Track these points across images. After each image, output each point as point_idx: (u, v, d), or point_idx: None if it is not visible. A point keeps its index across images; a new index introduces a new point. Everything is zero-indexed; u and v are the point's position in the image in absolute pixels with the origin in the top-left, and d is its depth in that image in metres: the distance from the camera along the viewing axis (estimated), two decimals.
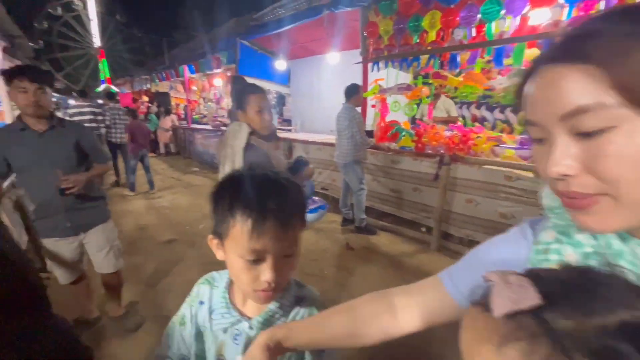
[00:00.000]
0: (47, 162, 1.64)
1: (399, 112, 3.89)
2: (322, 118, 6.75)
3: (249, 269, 0.59)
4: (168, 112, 9.54)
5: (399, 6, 3.37)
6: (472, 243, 3.14)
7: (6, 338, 0.86)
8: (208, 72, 8.16)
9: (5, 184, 2.34)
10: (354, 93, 3.29)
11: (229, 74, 8.58)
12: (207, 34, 7.42)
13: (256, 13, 5.36)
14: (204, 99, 11.84)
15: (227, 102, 10.33)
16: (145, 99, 13.35)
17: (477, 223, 3.09)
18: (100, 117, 5.22)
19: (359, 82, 3.85)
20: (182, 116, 10.82)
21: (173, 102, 11.94)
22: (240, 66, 6.03)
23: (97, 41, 25.02)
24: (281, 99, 8.67)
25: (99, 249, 1.90)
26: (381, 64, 3.83)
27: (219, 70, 7.91)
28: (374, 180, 3.96)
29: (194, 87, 10.72)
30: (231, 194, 0.60)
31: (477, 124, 4.17)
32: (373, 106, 4.03)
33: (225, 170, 1.54)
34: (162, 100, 11.12)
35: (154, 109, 9.97)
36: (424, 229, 3.56)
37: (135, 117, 5.73)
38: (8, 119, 3.76)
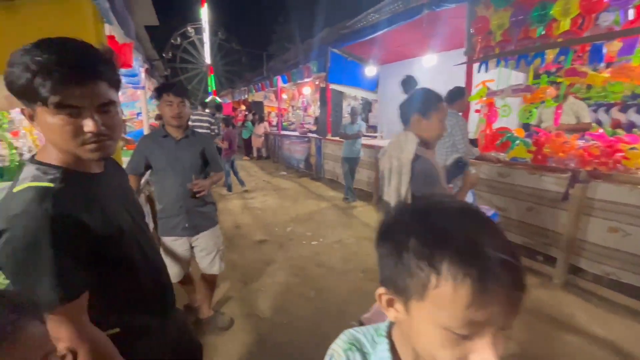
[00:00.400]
0: (179, 166, 1.84)
1: (509, 118, 3.34)
2: None
3: (456, 345, 0.41)
4: (261, 119, 10.38)
5: None
6: (614, 283, 2.43)
7: (157, 335, 0.93)
8: (298, 82, 8.59)
9: (142, 181, 2.78)
10: (458, 97, 2.93)
11: (317, 82, 8.93)
12: (301, 45, 7.80)
13: (349, 21, 5.37)
14: (292, 107, 12.59)
15: (314, 110, 10.75)
16: (243, 107, 14.90)
17: (623, 259, 2.38)
18: (213, 127, 5.99)
19: (458, 84, 3.41)
20: (273, 123, 11.66)
21: (266, 110, 12.99)
22: (329, 74, 6.13)
23: (207, 60, 29.53)
24: (367, 105, 8.55)
25: (207, 252, 2.03)
26: (490, 64, 3.35)
27: (308, 80, 8.27)
28: (474, 194, 3.46)
29: (284, 96, 11.49)
30: (426, 237, 0.42)
31: (620, 131, 3.28)
32: (477, 111, 3.55)
33: (391, 185, 1.37)
34: (256, 109, 12.19)
35: (250, 116, 10.99)
36: (540, 258, 2.94)
37: (229, 125, 6.38)
38: (145, 128, 4.53)
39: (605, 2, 2.33)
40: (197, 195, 1.88)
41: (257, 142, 10.24)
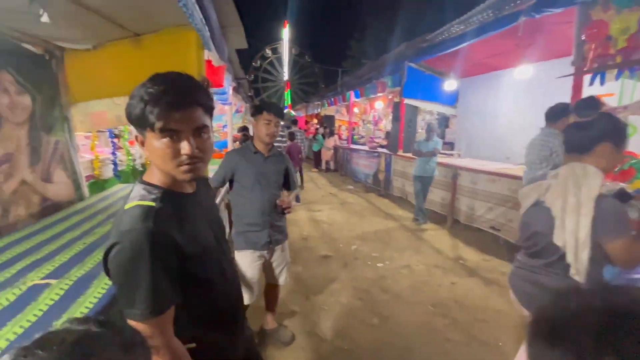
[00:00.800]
0: (266, 182, 1.91)
1: (635, 140, 2.70)
2: (494, 142, 5.74)
3: None
4: (332, 133, 10.58)
5: None
6: None
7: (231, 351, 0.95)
8: (371, 96, 8.54)
9: (222, 190, 3.03)
10: (562, 114, 2.50)
11: (390, 96, 8.75)
12: (376, 61, 7.77)
13: (429, 35, 5.14)
14: (363, 120, 12.56)
15: (385, 124, 10.53)
16: (315, 121, 15.48)
17: None
18: (284, 138, 6.47)
19: (558, 99, 2.88)
20: (343, 137, 11.79)
21: (337, 124, 13.24)
22: (405, 88, 5.93)
23: (285, 76, 32.00)
24: (443, 121, 8.02)
25: (278, 263, 2.08)
26: (609, 75, 2.79)
27: (381, 94, 8.16)
28: None
29: (355, 110, 11.54)
30: None
31: None
32: None
33: (566, 228, 1.17)
34: (328, 122, 12.52)
35: (321, 130, 11.32)
36: None
37: (293, 139, 6.77)
38: (229, 139, 4.98)
39: None
40: (285, 212, 1.95)
41: (326, 155, 10.44)
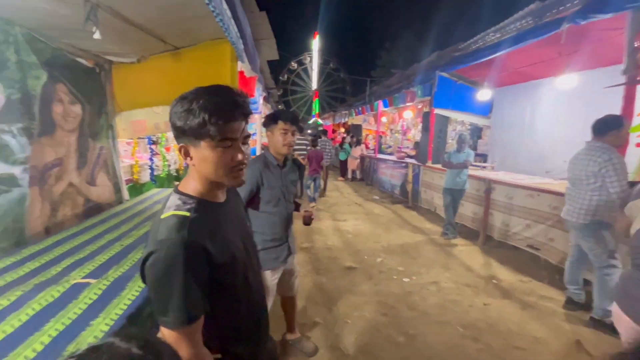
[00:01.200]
0: (288, 194, 1.87)
1: None
2: (532, 155, 5.43)
3: None
4: (359, 142, 10.52)
5: None
6: None
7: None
8: (400, 106, 8.43)
9: None
10: (612, 127, 2.31)
11: (419, 106, 8.58)
12: (405, 70, 7.69)
13: (462, 43, 5.01)
14: (391, 130, 12.40)
15: (414, 134, 10.32)
16: (342, 130, 15.51)
17: None
18: (309, 147, 6.63)
19: (605, 111, 2.63)
20: (370, 146, 11.69)
21: (364, 133, 13.17)
22: (435, 98, 5.79)
23: (313, 85, 32.62)
24: (476, 131, 7.72)
25: (291, 273, 2.06)
26: None
27: (410, 104, 8.04)
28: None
29: (383, 119, 11.43)
30: None
31: None
32: (639, 145, 2.74)
33: None
34: (355, 132, 12.49)
35: (348, 139, 11.31)
36: None
37: (315, 145, 6.94)
38: (258, 147, 5.11)
39: None
40: (310, 223, 1.94)
41: (352, 164, 10.40)
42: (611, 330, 2.31)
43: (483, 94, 5.53)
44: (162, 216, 0.78)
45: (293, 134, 1.77)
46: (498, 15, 4.21)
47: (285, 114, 1.78)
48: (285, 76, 32.88)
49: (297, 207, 2.02)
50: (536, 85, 5.43)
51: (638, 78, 2.72)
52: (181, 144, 0.80)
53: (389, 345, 2.29)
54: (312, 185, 6.60)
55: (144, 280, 0.76)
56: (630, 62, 2.75)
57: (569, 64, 4.16)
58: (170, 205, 0.80)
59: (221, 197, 0.88)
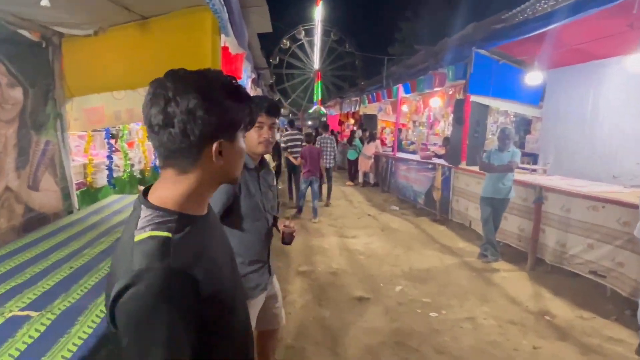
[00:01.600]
0: (268, 204, 1.86)
1: None
2: (596, 155, 5.41)
3: None
4: (373, 137, 10.52)
5: None
6: None
7: None
8: (425, 92, 8.46)
9: None
10: None
11: (450, 92, 8.61)
12: (433, 46, 7.72)
13: (505, 13, 5.03)
14: (414, 122, 12.43)
15: (443, 127, 10.35)
16: (351, 121, 15.56)
17: None
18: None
19: None
20: (387, 142, 11.71)
21: (379, 126, 13.19)
22: (471, 82, 5.81)
23: (315, 65, 32.68)
24: (523, 124, 7.73)
25: (274, 299, 2.04)
26: None
27: (439, 89, 8.05)
28: None
29: (404, 109, 11.46)
30: None
31: None
32: None
33: None
34: (368, 124, 12.51)
35: (358, 133, 11.32)
36: None
37: (310, 141, 6.99)
38: None
39: None
40: (290, 242, 1.93)
41: (364, 165, 10.39)
42: None
43: (532, 78, 5.52)
44: (137, 238, 0.77)
45: (271, 128, 1.74)
46: None
47: (260, 101, 1.75)
48: (277, 58, 32.72)
49: (274, 221, 2.00)
50: (600, 66, 5.41)
51: None
52: (216, 142, 0.82)
53: None
54: (308, 191, 6.70)
55: (113, 323, 0.76)
56: None
57: None
58: (144, 224, 0.79)
59: (204, 207, 0.90)
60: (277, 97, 19.41)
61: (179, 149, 0.80)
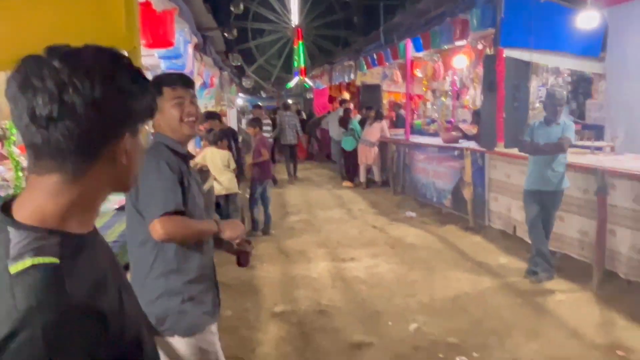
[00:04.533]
0: (209, 202, 2.00)
1: None
2: None
3: None
4: (379, 116, 10.50)
5: None
6: None
7: None
8: (444, 48, 8.53)
9: None
10: None
11: (480, 46, 8.69)
12: None
13: None
14: (433, 92, 12.51)
15: (473, 97, 10.42)
16: (346, 95, 15.59)
17: None
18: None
19: None
20: (395, 121, 11.72)
21: (385, 100, 13.24)
22: (504, 29, 5.92)
23: (295, 19, 32.45)
24: (581, 86, 7.84)
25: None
26: None
27: (462, 43, 8.13)
28: None
29: (418, 74, 11.53)
30: None
31: None
32: None
33: None
34: (370, 97, 12.54)
35: (354, 114, 11.39)
36: None
37: (257, 127, 7.33)
38: None
39: None
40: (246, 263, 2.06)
41: (367, 156, 10.28)
42: None
43: (588, 19, 5.63)
44: (13, 270, 0.78)
45: (194, 102, 1.93)
46: None
47: (169, 76, 1.97)
48: (242, 5, 32.40)
49: (218, 242, 2.13)
50: None
51: None
52: (122, 137, 0.88)
53: None
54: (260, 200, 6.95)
55: None
56: None
57: None
58: (21, 251, 0.80)
59: (93, 222, 0.94)
60: (236, 60, 19.25)
61: (74, 148, 0.82)
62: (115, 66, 0.84)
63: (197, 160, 5.60)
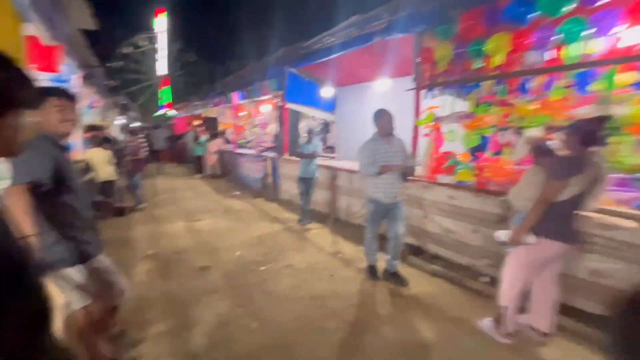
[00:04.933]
0: (89, 188, 1.73)
1: (455, 143, 3.60)
2: None
3: None
4: (215, 136, 10.16)
5: (459, 30, 3.21)
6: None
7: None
8: (257, 99, 8.60)
9: None
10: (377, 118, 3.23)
11: (275, 101, 8.99)
12: (259, 62, 7.87)
13: (306, 42, 5.55)
14: (250, 124, 12.43)
15: (273, 128, 10.71)
16: (198, 122, 14.42)
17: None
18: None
19: (410, 109, 3.75)
20: (228, 141, 11.37)
21: (220, 127, 12.70)
22: (287, 93, 6.22)
23: (161, 71, 28.63)
24: (326, 126, 8.75)
25: (115, 271, 1.88)
26: (437, 91, 3.63)
27: (266, 97, 8.30)
28: (424, 217, 3.64)
29: (241, 113, 11.34)
30: None
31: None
32: (426, 135, 3.79)
33: None
34: (210, 125, 11.91)
35: (203, 134, 10.69)
36: (486, 279, 3.12)
37: (135, 137, 6.62)
38: (78, 139, 4.16)
39: (529, 43, 2.68)
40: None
41: (210, 159, 9.95)
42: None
43: (326, 91, 6.32)
44: None
45: (72, 110, 1.67)
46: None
47: (54, 89, 1.67)
48: (131, 48, 27.53)
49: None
50: (366, 87, 6.61)
51: (422, 85, 3.75)
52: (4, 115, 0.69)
53: (243, 334, 2.36)
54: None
55: None
56: (417, 73, 3.76)
57: (384, 71, 5.29)
58: None
59: None
60: (124, 100, 16.38)
61: None
62: (4, 63, 0.70)
63: (85, 158, 4.70)
